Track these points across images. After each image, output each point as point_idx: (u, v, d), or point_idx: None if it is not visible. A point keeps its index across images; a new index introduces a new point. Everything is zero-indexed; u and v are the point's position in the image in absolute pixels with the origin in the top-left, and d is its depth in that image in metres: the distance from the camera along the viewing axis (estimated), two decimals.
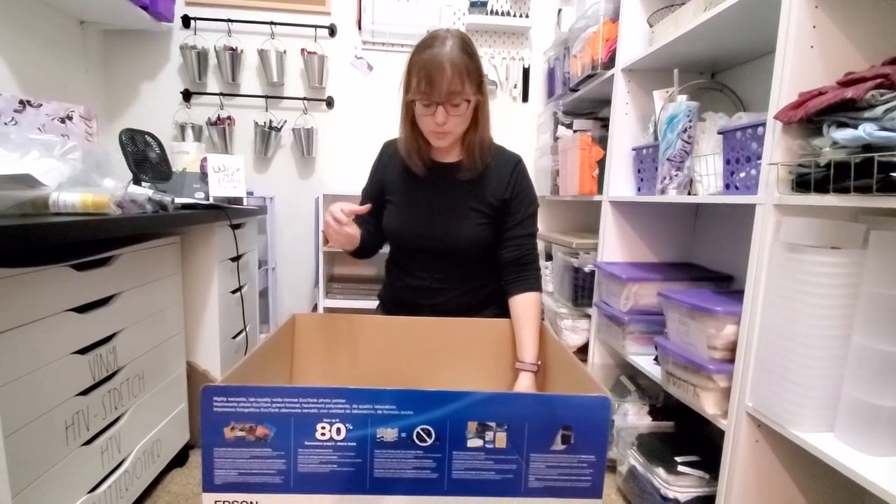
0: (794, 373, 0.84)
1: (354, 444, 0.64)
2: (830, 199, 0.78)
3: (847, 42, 0.88)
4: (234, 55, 2.24)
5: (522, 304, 1.03)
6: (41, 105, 1.52)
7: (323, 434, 0.64)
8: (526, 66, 2.40)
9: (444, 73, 0.91)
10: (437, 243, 1.07)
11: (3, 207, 0.80)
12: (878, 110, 0.71)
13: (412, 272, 1.12)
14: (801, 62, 0.87)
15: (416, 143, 1.06)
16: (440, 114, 0.95)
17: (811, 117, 0.80)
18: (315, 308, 2.41)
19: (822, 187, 0.79)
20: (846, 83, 0.78)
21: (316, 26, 2.28)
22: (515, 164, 1.09)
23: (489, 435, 0.65)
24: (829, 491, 0.99)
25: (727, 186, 1.11)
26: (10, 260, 0.81)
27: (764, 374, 0.91)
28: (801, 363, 0.83)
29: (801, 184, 0.83)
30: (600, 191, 1.69)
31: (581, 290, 1.73)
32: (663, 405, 1.43)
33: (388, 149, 1.15)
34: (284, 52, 2.28)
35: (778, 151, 0.89)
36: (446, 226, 1.07)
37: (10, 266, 0.81)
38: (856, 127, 0.73)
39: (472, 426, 0.65)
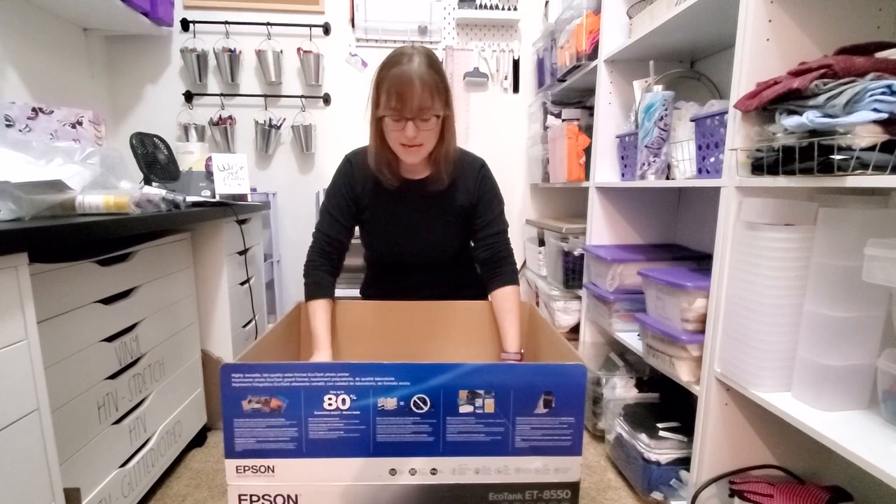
0: (754, 339, 0.92)
1: (358, 412, 0.72)
2: (781, 181, 0.86)
3: (801, 34, 0.94)
4: (233, 56, 2.30)
5: (500, 297, 1.10)
6: (52, 112, 1.59)
7: (330, 404, 0.72)
8: (516, 58, 2.45)
9: (413, 89, 0.92)
10: (415, 258, 1.15)
11: (37, 210, 0.89)
12: (821, 98, 0.78)
13: (392, 275, 1.20)
14: (759, 54, 0.94)
15: (386, 158, 1.05)
16: (410, 128, 0.95)
17: (765, 106, 0.87)
18: None
19: (774, 170, 0.87)
20: (796, 73, 0.85)
21: (311, 25, 2.34)
22: (479, 168, 1.13)
23: (479, 401, 0.73)
24: (792, 445, 1.08)
25: (699, 171, 1.19)
26: (46, 256, 0.90)
27: (730, 341, 1.00)
28: (760, 330, 0.91)
29: (758, 167, 0.91)
30: (587, 177, 1.76)
31: (571, 272, 1.81)
32: (649, 378, 1.52)
33: (356, 162, 1.12)
34: (281, 51, 2.34)
35: (738, 138, 0.96)
36: (422, 241, 1.13)
37: (45, 262, 0.90)
38: (801, 114, 0.80)
39: (463, 394, 0.73)
